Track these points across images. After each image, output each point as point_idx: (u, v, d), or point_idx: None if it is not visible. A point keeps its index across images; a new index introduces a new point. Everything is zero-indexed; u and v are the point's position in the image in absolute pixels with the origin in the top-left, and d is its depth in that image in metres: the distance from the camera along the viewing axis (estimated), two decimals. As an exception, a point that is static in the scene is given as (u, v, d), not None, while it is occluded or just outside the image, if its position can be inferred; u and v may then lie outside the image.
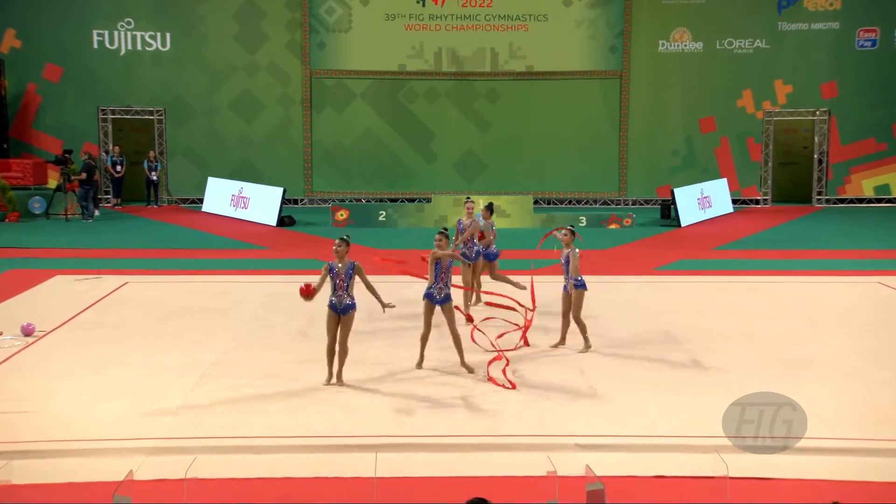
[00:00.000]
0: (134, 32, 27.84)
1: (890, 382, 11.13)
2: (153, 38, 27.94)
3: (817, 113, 28.41)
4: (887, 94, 28.12)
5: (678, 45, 28.32)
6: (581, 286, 12.27)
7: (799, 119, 29.02)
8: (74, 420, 9.79)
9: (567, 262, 12.32)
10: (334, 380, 10.96)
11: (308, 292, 10.83)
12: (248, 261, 19.05)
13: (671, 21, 28.24)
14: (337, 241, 11.01)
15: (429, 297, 11.47)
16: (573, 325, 12.39)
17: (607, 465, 8.31)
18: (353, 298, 10.96)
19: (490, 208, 14.93)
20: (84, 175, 24.97)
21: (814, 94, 28.29)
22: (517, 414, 10.03)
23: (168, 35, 27.98)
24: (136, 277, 17.00)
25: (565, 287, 12.42)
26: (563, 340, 12.57)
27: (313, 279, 11.04)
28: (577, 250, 12.33)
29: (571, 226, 12.62)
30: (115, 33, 27.77)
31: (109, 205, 27.73)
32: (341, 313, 10.93)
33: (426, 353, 11.64)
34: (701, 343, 12.63)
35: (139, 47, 27.95)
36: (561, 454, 8.59)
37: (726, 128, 28.40)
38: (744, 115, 28.43)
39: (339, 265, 10.95)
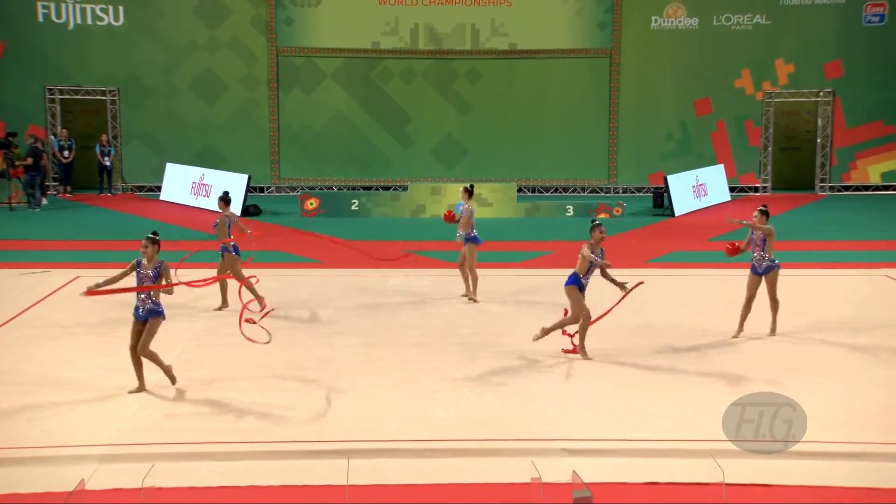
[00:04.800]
0: (83, 5, 27.56)
1: (889, 380, 11.24)
2: (105, 11, 27.69)
3: (821, 94, 28.53)
4: (896, 74, 28.33)
5: (672, 22, 28.37)
6: (774, 267, 13.03)
7: (801, 101, 29.14)
8: (20, 425, 9.74)
9: (763, 241, 12.99)
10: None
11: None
12: (210, 253, 18.95)
13: (665, -5, 28.35)
14: (144, 241, 10.92)
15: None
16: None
17: (596, 471, 8.35)
18: (158, 304, 10.89)
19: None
20: (30, 160, 24.77)
21: (817, 74, 28.39)
22: (499, 417, 10.06)
23: (121, 8, 27.71)
24: (88, 271, 16.83)
25: (763, 270, 13.01)
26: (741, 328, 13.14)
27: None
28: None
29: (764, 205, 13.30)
30: (63, 5, 27.48)
31: (58, 193, 27.54)
32: (142, 319, 10.84)
33: None
34: (697, 341, 12.70)
35: (89, 21, 27.70)
36: (546, 459, 8.62)
37: (723, 110, 28.46)
38: (742, 96, 28.51)
39: (147, 265, 10.91)
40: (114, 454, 9.01)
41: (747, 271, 17.53)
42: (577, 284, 12.04)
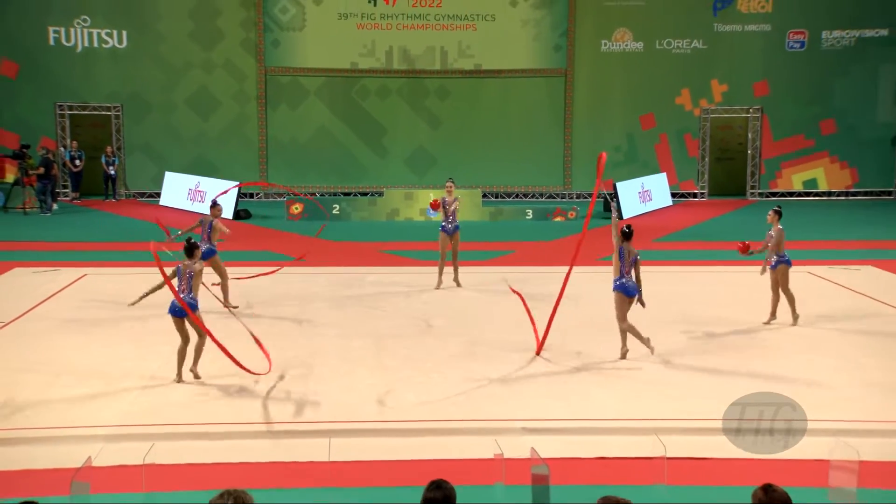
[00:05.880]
0: (90, 30, 27.38)
1: (814, 364, 11.37)
2: (110, 35, 27.51)
3: (751, 111, 28.78)
4: (815, 93, 28.58)
5: (620, 45, 28.50)
6: (784, 262, 13.08)
7: (734, 116, 29.37)
8: (34, 408, 9.67)
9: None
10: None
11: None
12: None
13: (613, 22, 28.41)
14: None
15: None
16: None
17: (552, 448, 8.37)
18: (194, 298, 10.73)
19: None
20: (42, 169, 24.60)
21: (747, 93, 28.64)
22: (465, 400, 10.07)
23: (125, 33, 27.55)
24: (95, 270, 16.77)
25: (773, 265, 13.16)
26: (773, 315, 13.33)
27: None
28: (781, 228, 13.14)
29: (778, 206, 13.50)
30: (72, 31, 27.29)
31: (68, 199, 27.30)
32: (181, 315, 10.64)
33: None
34: (642, 330, 12.74)
35: (96, 44, 27.51)
36: (508, 437, 8.64)
37: (665, 124, 28.65)
38: (682, 112, 28.70)
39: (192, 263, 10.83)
40: (118, 434, 8.95)
41: (690, 269, 17.73)
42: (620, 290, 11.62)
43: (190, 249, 10.85)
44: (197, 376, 10.64)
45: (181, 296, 10.56)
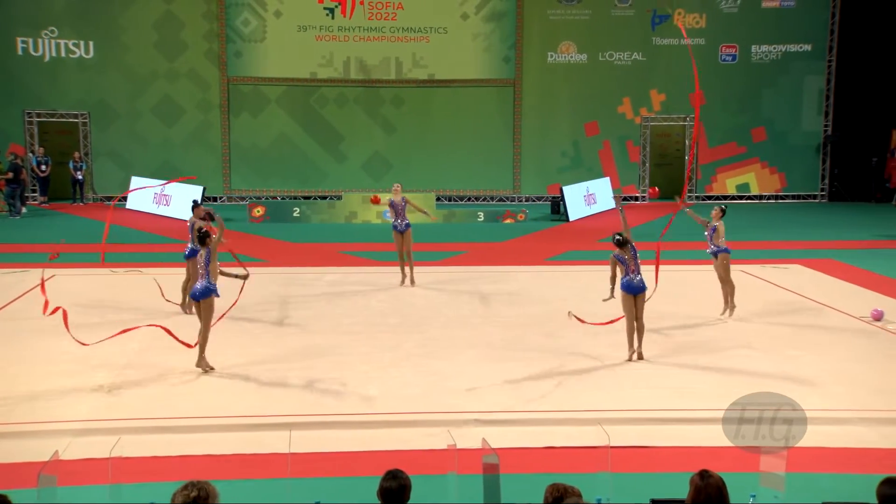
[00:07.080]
0: (58, 40, 26.95)
1: (750, 357, 11.50)
2: (77, 45, 27.10)
3: (687, 119, 29.08)
4: (746, 103, 29.00)
5: (565, 57, 28.65)
6: (725, 251, 13.41)
7: (672, 124, 29.69)
8: (3, 404, 9.47)
9: (714, 231, 13.34)
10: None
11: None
12: (170, 254, 18.64)
13: (558, 35, 28.55)
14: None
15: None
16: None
17: (502, 438, 8.37)
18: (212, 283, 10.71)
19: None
20: (11, 174, 24.15)
21: (684, 102, 28.90)
22: (420, 393, 10.05)
23: (91, 43, 27.16)
24: (63, 270, 16.45)
25: (714, 253, 13.42)
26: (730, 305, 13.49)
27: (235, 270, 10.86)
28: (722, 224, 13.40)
29: (724, 206, 13.88)
30: (40, 41, 26.84)
31: (36, 202, 26.85)
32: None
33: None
34: (584, 325, 12.81)
35: (63, 54, 27.08)
36: (460, 429, 8.63)
37: (608, 132, 28.84)
38: (624, 120, 28.92)
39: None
40: (86, 429, 8.81)
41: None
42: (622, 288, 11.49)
43: (202, 238, 10.82)
44: (207, 368, 10.57)
45: (201, 281, 10.62)
